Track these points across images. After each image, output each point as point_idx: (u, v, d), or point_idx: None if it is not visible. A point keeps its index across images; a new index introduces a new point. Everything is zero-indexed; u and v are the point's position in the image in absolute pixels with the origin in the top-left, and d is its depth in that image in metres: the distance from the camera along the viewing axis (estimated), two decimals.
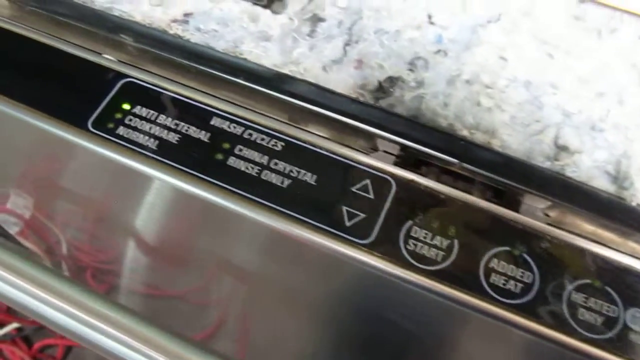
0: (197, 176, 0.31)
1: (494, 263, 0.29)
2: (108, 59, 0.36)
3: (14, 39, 0.38)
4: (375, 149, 0.34)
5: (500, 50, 0.35)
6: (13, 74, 0.36)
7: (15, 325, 1.10)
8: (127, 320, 0.33)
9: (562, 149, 0.32)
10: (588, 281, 0.29)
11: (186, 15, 0.38)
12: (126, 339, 0.33)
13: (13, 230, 0.73)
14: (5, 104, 0.35)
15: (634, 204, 0.31)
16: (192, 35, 0.37)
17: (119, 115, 0.34)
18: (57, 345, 1.09)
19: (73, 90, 0.35)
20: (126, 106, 0.34)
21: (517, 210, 0.32)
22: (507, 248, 0.30)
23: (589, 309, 0.28)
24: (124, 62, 0.37)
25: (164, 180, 0.32)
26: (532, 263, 0.29)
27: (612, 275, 0.29)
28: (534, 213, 0.32)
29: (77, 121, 0.34)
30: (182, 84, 0.35)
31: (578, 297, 0.29)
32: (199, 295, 0.48)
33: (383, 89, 0.33)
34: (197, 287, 0.47)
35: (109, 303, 0.34)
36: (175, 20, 0.37)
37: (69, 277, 0.36)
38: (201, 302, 0.49)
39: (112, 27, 0.38)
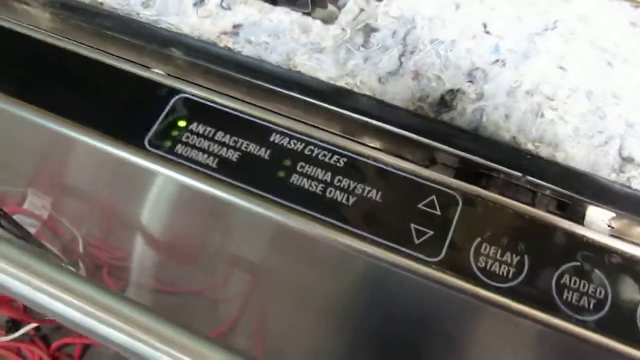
0: (262, 195, 0.31)
1: (566, 279, 0.29)
2: (158, 74, 0.36)
3: (60, 53, 0.37)
4: (434, 162, 0.34)
5: (559, 60, 0.35)
6: (62, 91, 0.36)
7: (33, 325, 1.10)
8: (142, 317, 0.33)
9: (627, 160, 0.32)
10: None
11: (236, 27, 0.37)
12: (142, 336, 0.32)
13: (30, 231, 0.72)
14: (56, 122, 0.35)
15: None
16: (244, 48, 0.36)
17: (175, 133, 0.33)
18: (75, 344, 1.09)
19: (126, 107, 0.35)
20: (182, 123, 0.34)
21: (581, 223, 0.31)
22: (577, 263, 0.30)
23: None
24: (175, 77, 0.36)
25: (228, 200, 0.31)
26: (604, 278, 0.29)
27: None
28: (599, 225, 0.32)
29: (134, 140, 0.33)
30: (237, 98, 0.35)
31: None
32: (232, 297, 0.48)
33: (446, 102, 0.33)
34: (239, 296, 0.47)
35: (125, 300, 0.33)
36: (225, 33, 0.37)
37: (83, 276, 0.36)
38: (230, 301, 0.49)
39: (160, 41, 0.37)
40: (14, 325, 1.11)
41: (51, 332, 1.10)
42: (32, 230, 0.73)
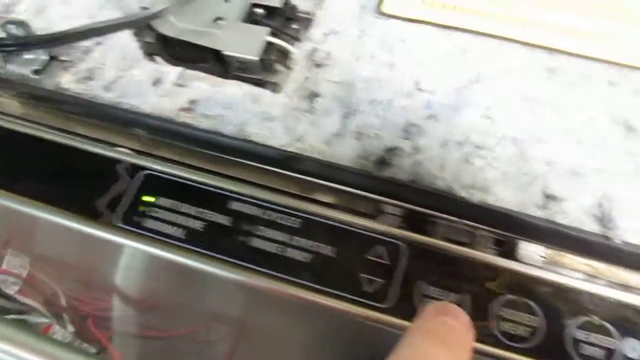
0: (227, 261, 0.34)
1: (503, 311, 0.33)
2: (123, 152, 0.39)
3: (29, 139, 0.40)
4: (381, 212, 0.38)
5: (485, 110, 0.38)
6: (36, 176, 0.39)
7: None
8: None
9: (550, 197, 0.36)
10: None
11: (191, 102, 0.40)
12: None
13: (12, 290, 0.75)
14: (31, 206, 0.37)
15: (618, 241, 0.35)
16: (201, 122, 0.40)
17: (143, 208, 0.37)
18: None
19: (96, 187, 0.38)
20: (149, 199, 0.37)
21: (516, 258, 0.35)
22: (512, 296, 0.33)
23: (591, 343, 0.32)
24: (141, 152, 0.39)
25: (196, 268, 0.35)
26: (536, 307, 0.33)
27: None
28: (532, 258, 0.35)
29: (105, 218, 0.36)
30: (198, 168, 0.38)
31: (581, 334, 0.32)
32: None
33: (385, 160, 0.36)
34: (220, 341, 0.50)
35: None
36: (182, 109, 0.40)
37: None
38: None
39: (123, 121, 0.40)
40: None
41: None
42: (15, 289, 0.75)
